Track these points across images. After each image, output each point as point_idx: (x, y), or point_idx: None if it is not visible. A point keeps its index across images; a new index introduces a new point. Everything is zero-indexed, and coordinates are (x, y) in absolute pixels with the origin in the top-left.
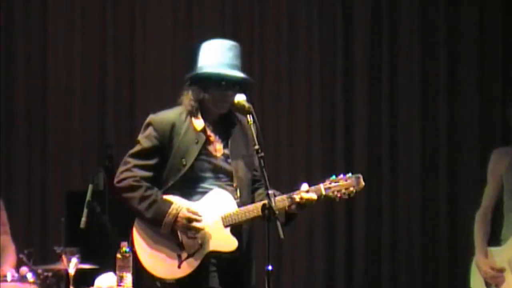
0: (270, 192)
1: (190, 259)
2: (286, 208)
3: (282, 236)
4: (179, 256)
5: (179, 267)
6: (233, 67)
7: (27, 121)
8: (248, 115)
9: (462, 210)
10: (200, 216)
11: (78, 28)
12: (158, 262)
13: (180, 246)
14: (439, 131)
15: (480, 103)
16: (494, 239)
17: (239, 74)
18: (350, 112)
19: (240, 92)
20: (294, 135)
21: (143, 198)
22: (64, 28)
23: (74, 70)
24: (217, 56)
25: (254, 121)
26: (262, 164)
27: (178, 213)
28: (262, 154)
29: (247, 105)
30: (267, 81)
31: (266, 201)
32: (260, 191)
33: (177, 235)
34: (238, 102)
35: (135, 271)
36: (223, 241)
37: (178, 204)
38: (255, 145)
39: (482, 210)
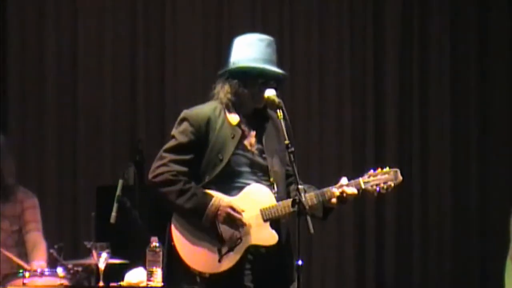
0: (300, 187)
1: (231, 253)
2: (326, 202)
3: (312, 231)
4: (220, 250)
5: (219, 261)
6: (272, 62)
7: (57, 117)
8: (278, 110)
9: (493, 206)
10: (241, 209)
11: (109, 23)
12: (198, 256)
13: (221, 240)
14: (469, 128)
15: None
16: None
17: (279, 70)
18: (380, 109)
19: (275, 87)
20: (325, 130)
21: (182, 192)
22: (94, 24)
23: (105, 65)
24: (256, 50)
25: (284, 116)
26: (292, 159)
27: (220, 205)
28: (292, 149)
29: (277, 100)
30: (298, 77)
31: (296, 197)
32: (294, 186)
33: (217, 229)
34: (268, 97)
35: (172, 266)
36: (264, 235)
37: (220, 196)
38: (285, 140)
39: None
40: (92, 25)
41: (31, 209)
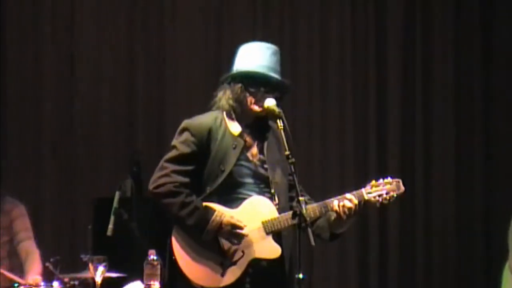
0: (301, 198)
1: (233, 267)
2: (331, 220)
3: (313, 243)
4: (222, 264)
5: (222, 275)
6: (276, 72)
7: (54, 127)
8: (278, 120)
9: (498, 214)
10: (243, 223)
11: (106, 31)
12: (200, 270)
13: (223, 254)
14: (473, 136)
15: None
16: None
17: (284, 80)
18: (383, 116)
19: (277, 97)
20: (327, 140)
21: (184, 205)
22: (92, 32)
23: (103, 73)
24: (261, 57)
25: (284, 126)
26: (293, 170)
27: (222, 220)
28: (293, 160)
29: (277, 109)
30: (299, 85)
31: (297, 208)
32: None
33: (219, 242)
34: (268, 107)
35: (173, 280)
36: (267, 248)
37: (222, 211)
38: (285, 151)
39: None
40: (90, 34)
41: (20, 218)
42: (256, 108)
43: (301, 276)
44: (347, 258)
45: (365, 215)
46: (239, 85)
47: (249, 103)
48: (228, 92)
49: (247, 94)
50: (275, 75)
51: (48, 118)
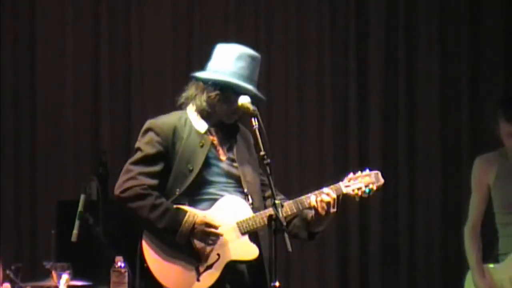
0: (277, 202)
1: (210, 271)
2: (310, 216)
3: (290, 249)
4: (197, 268)
5: (198, 280)
6: (256, 84)
7: (14, 125)
8: (252, 119)
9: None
10: (217, 223)
11: (70, 31)
12: (175, 276)
13: (197, 257)
14: (460, 132)
15: None
16: (488, 254)
17: (261, 96)
18: (364, 114)
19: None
20: (304, 139)
21: (154, 207)
22: (54, 31)
23: (66, 71)
24: (245, 68)
25: (259, 125)
26: (268, 171)
27: (195, 220)
28: (268, 160)
29: (251, 107)
30: (275, 82)
31: (273, 212)
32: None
33: (192, 245)
34: (242, 105)
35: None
36: (243, 249)
37: (194, 211)
38: (260, 151)
39: (471, 224)
40: (51, 34)
41: None
42: (227, 118)
43: (277, 284)
44: (326, 263)
45: (345, 214)
46: (217, 92)
47: (223, 111)
48: (204, 96)
49: (224, 104)
50: (254, 89)
51: (7, 115)
